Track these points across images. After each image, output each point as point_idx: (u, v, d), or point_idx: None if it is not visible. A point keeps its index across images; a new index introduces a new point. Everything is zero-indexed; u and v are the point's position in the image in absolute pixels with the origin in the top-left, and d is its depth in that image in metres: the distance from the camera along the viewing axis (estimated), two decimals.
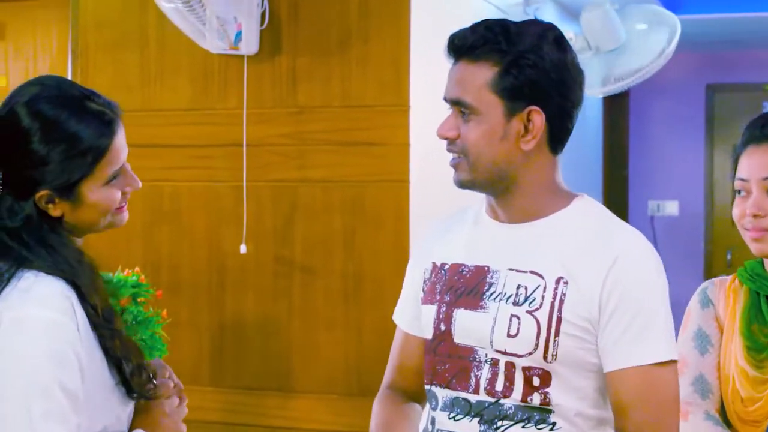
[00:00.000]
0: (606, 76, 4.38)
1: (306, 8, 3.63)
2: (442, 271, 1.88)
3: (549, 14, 5.18)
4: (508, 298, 1.77)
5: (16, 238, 1.68)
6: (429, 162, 3.49)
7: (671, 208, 7.63)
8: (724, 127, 7.55)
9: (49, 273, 1.66)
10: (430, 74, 3.47)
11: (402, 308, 2.02)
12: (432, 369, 1.86)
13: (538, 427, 1.75)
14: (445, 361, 1.83)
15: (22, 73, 4.45)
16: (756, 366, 2.05)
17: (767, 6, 5.91)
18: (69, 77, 3.73)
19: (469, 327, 1.80)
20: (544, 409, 1.75)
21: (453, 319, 1.82)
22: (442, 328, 1.83)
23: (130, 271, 3.15)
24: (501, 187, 1.81)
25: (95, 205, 1.73)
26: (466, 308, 1.81)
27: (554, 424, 1.75)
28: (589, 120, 6.63)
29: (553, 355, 1.73)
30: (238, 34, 3.56)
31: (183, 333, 3.72)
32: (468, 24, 1.81)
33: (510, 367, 1.75)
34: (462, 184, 1.82)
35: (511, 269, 1.79)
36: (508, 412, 1.76)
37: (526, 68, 1.74)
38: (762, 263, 2.13)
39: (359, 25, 3.57)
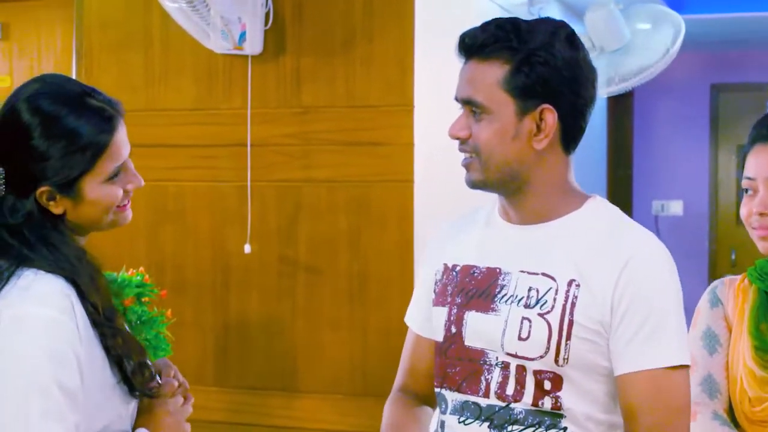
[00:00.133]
0: (610, 77, 4.36)
1: (310, 8, 3.63)
2: (454, 273, 1.86)
3: (553, 14, 5.18)
4: (520, 300, 1.75)
5: (17, 235, 1.68)
6: (433, 162, 3.48)
7: (675, 208, 7.61)
8: (729, 127, 7.53)
9: (49, 271, 1.66)
10: (434, 74, 3.47)
11: (413, 310, 1.99)
12: (442, 372, 1.83)
13: (549, 431, 1.72)
14: (456, 363, 1.80)
15: (26, 73, 4.45)
16: (764, 366, 2.04)
17: None
18: (73, 77, 3.73)
19: (480, 329, 1.77)
20: (555, 414, 1.72)
21: (464, 321, 1.80)
22: (453, 330, 1.81)
23: (134, 270, 3.15)
24: (513, 187, 1.78)
25: (96, 202, 1.73)
26: (477, 310, 1.78)
27: (565, 429, 1.72)
28: (593, 120, 6.61)
29: (564, 359, 1.70)
30: (243, 34, 3.56)
31: (187, 333, 3.72)
32: (472, 24, 1.80)
33: (521, 370, 1.73)
34: (474, 184, 1.80)
35: (522, 271, 1.76)
36: (519, 417, 1.73)
37: (538, 66, 1.71)
38: None
39: (363, 25, 3.57)
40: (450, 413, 1.81)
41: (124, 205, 1.78)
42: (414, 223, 3.52)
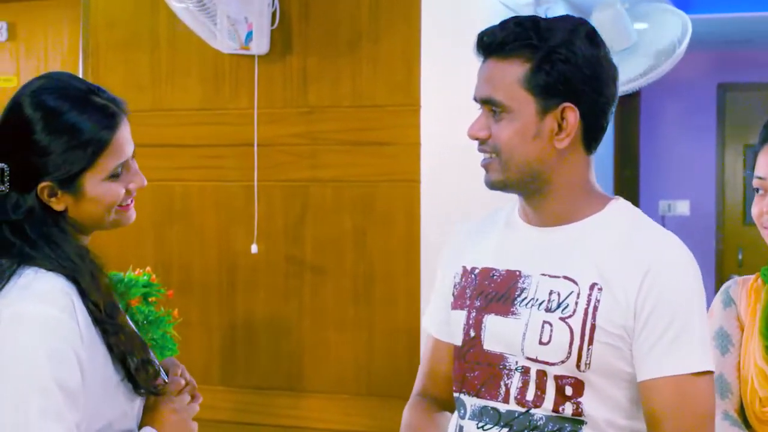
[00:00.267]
0: None
1: (317, 8, 3.62)
2: (473, 276, 1.82)
3: (559, 14, 5.16)
4: (540, 304, 1.71)
5: (19, 232, 1.69)
6: (440, 162, 3.48)
7: (682, 207, 7.60)
8: (736, 127, 7.52)
9: (50, 269, 1.66)
10: (440, 74, 3.47)
11: (432, 313, 1.95)
12: (461, 376, 1.80)
13: None
14: (475, 368, 1.77)
15: (33, 73, 4.44)
16: None
17: None
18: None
19: (500, 333, 1.74)
20: (576, 420, 1.68)
21: (483, 325, 1.76)
22: (472, 334, 1.78)
23: (141, 270, 3.16)
24: (533, 187, 1.75)
25: (97, 200, 1.73)
26: (496, 314, 1.75)
27: None
28: None
29: (586, 364, 1.67)
30: (249, 34, 3.56)
31: (194, 333, 3.72)
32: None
33: (541, 375, 1.70)
34: (493, 185, 1.76)
35: (543, 274, 1.73)
36: (539, 423, 1.70)
37: (559, 63, 1.68)
38: None
39: (370, 24, 3.56)
40: (469, 418, 1.78)
41: (127, 205, 1.78)
42: (420, 223, 3.51)
